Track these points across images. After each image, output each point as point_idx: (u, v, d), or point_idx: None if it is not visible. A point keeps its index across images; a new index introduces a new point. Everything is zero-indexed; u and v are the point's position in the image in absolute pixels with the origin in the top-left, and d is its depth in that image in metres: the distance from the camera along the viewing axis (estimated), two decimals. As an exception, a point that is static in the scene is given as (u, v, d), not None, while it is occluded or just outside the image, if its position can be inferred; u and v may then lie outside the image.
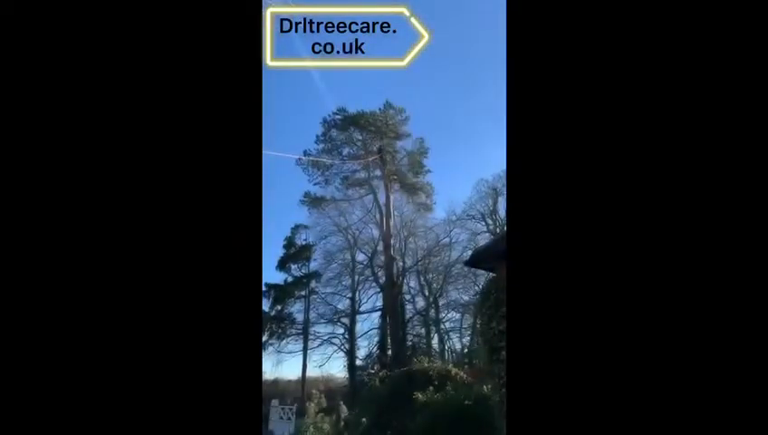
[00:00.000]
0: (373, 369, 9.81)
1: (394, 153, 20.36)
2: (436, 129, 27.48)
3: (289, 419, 11.53)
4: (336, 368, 18.85)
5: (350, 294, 20.07)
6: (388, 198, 18.79)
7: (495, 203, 18.81)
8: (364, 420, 6.14)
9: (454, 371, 6.11)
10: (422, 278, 20.07)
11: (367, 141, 20.18)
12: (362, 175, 20.44)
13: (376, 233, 19.48)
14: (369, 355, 17.90)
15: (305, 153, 20.11)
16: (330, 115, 20.16)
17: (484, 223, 18.91)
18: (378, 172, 19.72)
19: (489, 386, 4.56)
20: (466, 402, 4.35)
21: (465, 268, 17.00)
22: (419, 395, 4.82)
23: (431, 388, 5.02)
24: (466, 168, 30.84)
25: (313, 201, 20.08)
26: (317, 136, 20.17)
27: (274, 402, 12.60)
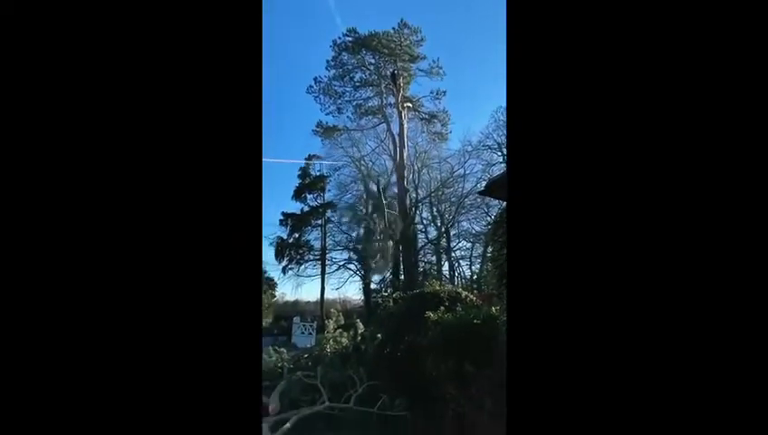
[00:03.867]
0: (386, 292, 10.38)
1: (408, 78, 19.29)
2: (453, 52, 25.57)
3: (310, 333, 12.64)
4: (352, 291, 20.07)
5: (363, 224, 20.57)
6: (401, 126, 18.22)
7: (514, 132, 18.02)
8: (379, 335, 6.69)
9: (464, 293, 6.44)
10: (434, 209, 20.25)
11: (380, 65, 19.07)
12: (375, 102, 19.67)
13: (389, 164, 19.29)
14: (382, 280, 18.86)
15: (316, 80, 19.23)
16: (340, 37, 18.86)
17: (500, 153, 18.30)
18: (391, 99, 18.92)
19: (497, 308, 4.84)
20: (476, 321, 4.64)
21: (479, 199, 17.00)
22: (431, 314, 5.15)
23: (442, 308, 5.34)
24: (485, 94, 29.19)
25: (326, 131, 19.68)
26: (327, 61, 19.11)
27: (296, 319, 13.69)
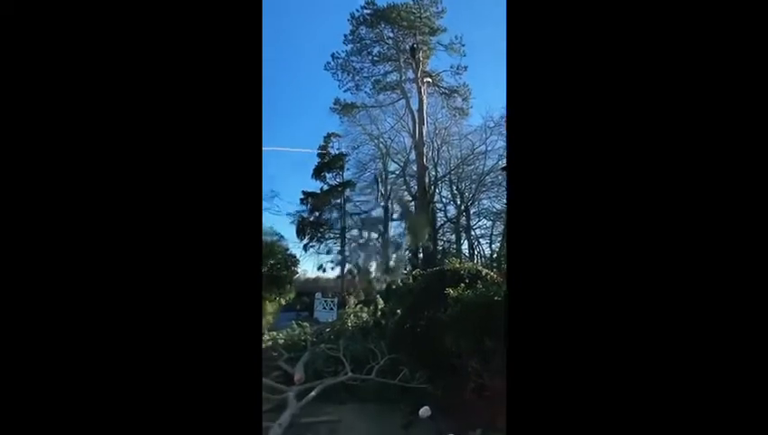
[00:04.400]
0: (405, 269, 10.46)
1: (428, 51, 18.73)
2: (475, 22, 24.54)
3: (331, 308, 12.97)
4: (371, 269, 20.26)
5: (382, 203, 20.59)
6: (421, 102, 17.84)
7: (537, 107, 17.42)
8: (399, 311, 6.80)
9: (484, 271, 6.42)
10: (454, 187, 20.02)
11: (399, 39, 18.55)
12: (394, 78, 19.26)
13: (408, 142, 19.06)
14: (401, 258, 18.97)
15: (333, 56, 18.92)
16: (358, 10, 18.35)
17: (523, 129, 17.76)
18: (410, 74, 18.47)
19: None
20: (496, 298, 4.63)
21: (500, 176, 16.67)
22: (451, 291, 5.17)
23: (462, 285, 5.36)
24: (508, 67, 28.03)
25: (344, 108, 19.51)
26: (345, 36, 18.70)
27: (318, 295, 14.02)
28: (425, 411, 4.56)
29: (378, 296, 8.81)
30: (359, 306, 8.41)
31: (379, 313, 7.82)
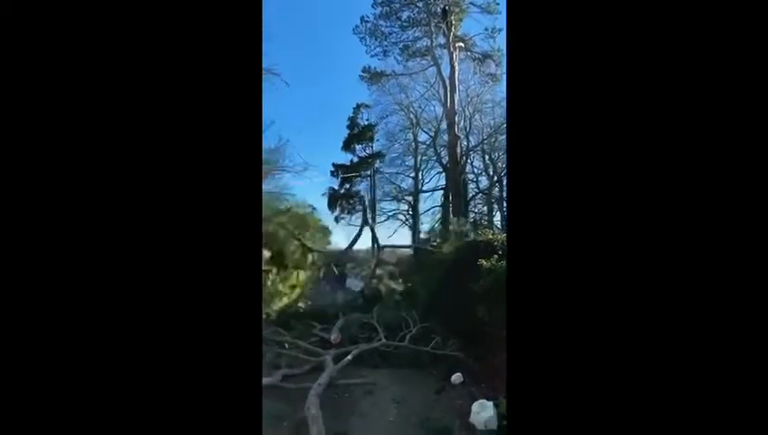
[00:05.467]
0: (436, 241, 10.46)
1: (461, 14, 17.77)
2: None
3: (363, 279, 13.28)
4: (402, 241, 20.43)
5: (412, 174, 20.43)
6: (452, 68, 17.13)
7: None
8: (431, 281, 6.88)
9: (518, 243, 6.32)
10: (487, 158, 19.45)
11: (429, 1, 17.68)
12: (424, 43, 18.53)
13: (439, 110, 18.53)
14: (431, 230, 18.95)
15: (362, 20, 18.37)
16: (387, -29, 17.57)
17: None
18: (441, 39, 17.68)
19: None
20: (530, 269, 4.57)
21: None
22: (484, 262, 5.15)
23: (495, 256, 5.31)
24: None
25: (373, 76, 19.11)
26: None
27: (349, 266, 14.36)
28: (457, 378, 4.68)
29: (408, 268, 8.91)
30: (391, 277, 8.56)
31: (410, 284, 7.94)
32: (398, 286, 8.38)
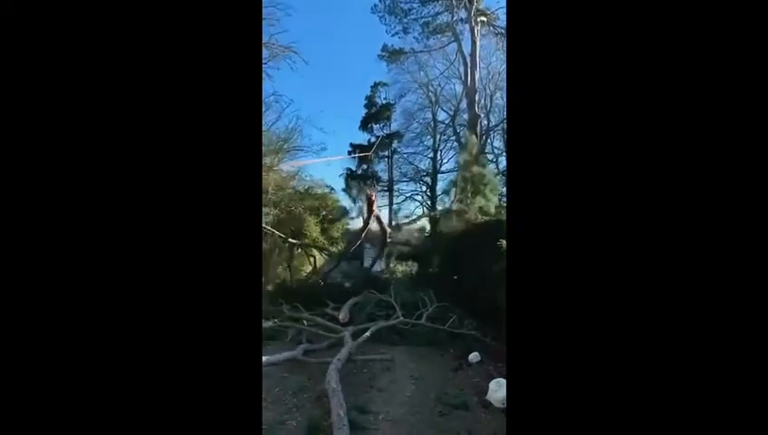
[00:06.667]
0: (455, 220, 10.36)
1: (484, -14, 17.02)
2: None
3: (380, 258, 13.39)
4: (420, 221, 20.39)
5: (431, 155, 20.17)
6: (474, 45, 16.56)
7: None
8: (449, 261, 6.87)
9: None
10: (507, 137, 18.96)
11: (451, -27, 16.99)
12: (445, 19, 17.92)
13: (459, 89, 18.07)
14: (448, 210, 18.80)
15: (380, -3, 17.86)
16: (407, -58, 16.91)
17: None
18: (462, 14, 17.05)
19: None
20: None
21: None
22: (503, 243, 5.08)
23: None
24: None
25: (392, 54, 18.71)
26: (393, -26, 17.46)
27: (367, 246, 14.48)
28: (474, 357, 4.72)
29: (427, 247, 8.91)
30: (406, 257, 8.59)
31: (428, 263, 7.95)
32: (413, 267, 8.40)
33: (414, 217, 10.28)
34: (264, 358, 4.18)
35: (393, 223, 11.90)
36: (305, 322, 5.91)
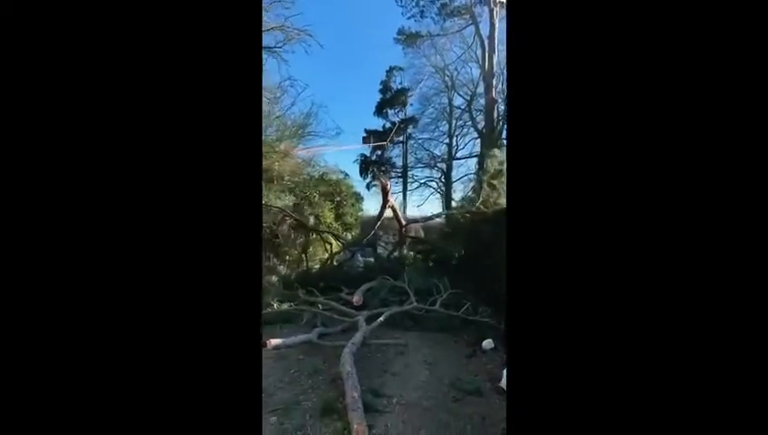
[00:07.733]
0: (473, 207, 10.27)
1: (504, -36, 16.39)
2: None
3: (394, 244, 13.42)
4: (434, 209, 20.30)
5: (446, 140, 19.92)
6: (492, 27, 16.11)
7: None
8: (463, 248, 6.83)
9: (556, 211, 6.08)
10: (525, 122, 18.53)
11: (470, -48, 16.45)
12: (462, 1, 17.42)
13: (476, 73, 17.66)
14: (464, 198, 18.63)
15: (397, -22, 17.44)
16: None
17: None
18: (482, -6, 16.54)
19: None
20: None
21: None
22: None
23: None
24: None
25: (408, 38, 18.36)
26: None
27: (381, 233, 14.50)
28: (488, 344, 4.71)
29: (440, 234, 8.86)
30: (420, 243, 8.57)
31: (442, 250, 7.91)
32: (426, 253, 8.37)
33: (431, 215, 10.17)
34: (280, 340, 4.26)
35: (407, 214, 11.83)
36: (320, 305, 5.99)
